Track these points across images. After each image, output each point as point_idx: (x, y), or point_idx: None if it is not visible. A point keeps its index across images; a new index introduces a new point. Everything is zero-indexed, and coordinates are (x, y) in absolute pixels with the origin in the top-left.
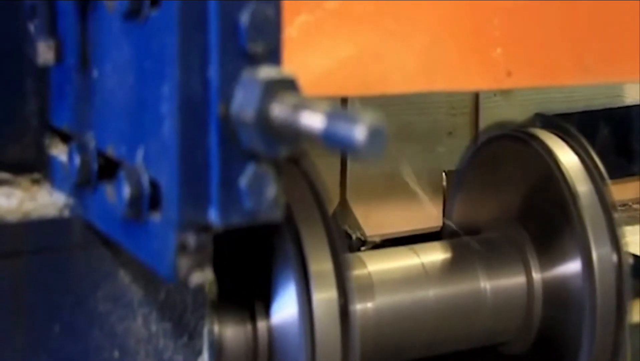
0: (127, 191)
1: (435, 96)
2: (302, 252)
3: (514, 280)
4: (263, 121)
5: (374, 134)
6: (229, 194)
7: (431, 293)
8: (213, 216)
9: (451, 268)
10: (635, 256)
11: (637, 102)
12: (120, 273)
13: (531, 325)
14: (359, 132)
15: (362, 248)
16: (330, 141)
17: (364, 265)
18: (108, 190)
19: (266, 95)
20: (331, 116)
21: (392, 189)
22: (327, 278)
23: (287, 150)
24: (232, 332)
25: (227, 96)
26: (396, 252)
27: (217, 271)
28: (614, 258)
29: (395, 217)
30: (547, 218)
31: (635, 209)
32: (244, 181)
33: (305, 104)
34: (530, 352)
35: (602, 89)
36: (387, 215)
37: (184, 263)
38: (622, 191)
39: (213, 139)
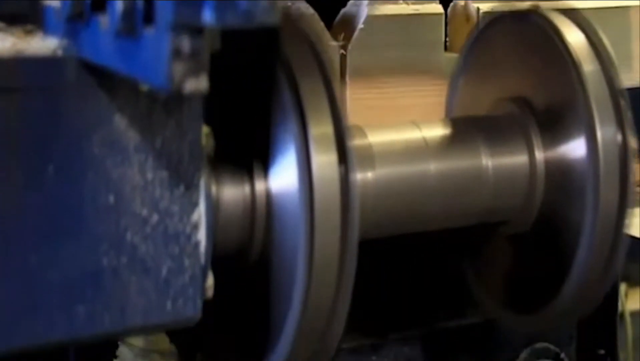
0: (120, 5)
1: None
2: (303, 114)
3: (516, 158)
4: None
5: None
6: None
7: (432, 167)
8: (207, 15)
9: (453, 144)
10: (635, 238)
11: (634, 85)
12: (115, 118)
13: (532, 204)
14: None
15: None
16: None
17: (365, 136)
18: (102, 20)
19: None
20: None
21: None
22: (327, 141)
23: None
24: (229, 193)
25: None
26: (398, 125)
27: (214, 130)
28: (619, 138)
29: None
30: (551, 98)
31: (635, 192)
32: None
33: None
34: (530, 233)
35: None
36: None
37: (178, 68)
38: None
39: None
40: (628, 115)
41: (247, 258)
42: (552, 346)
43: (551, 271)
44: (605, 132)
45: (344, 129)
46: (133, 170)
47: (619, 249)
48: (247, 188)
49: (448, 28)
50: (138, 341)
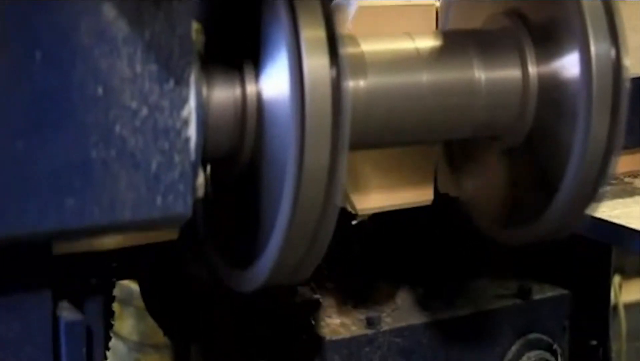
0: None
1: None
2: (295, 18)
3: (509, 72)
4: None
5: None
6: None
7: (424, 77)
8: None
9: (446, 56)
10: (629, 229)
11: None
12: (104, 7)
13: (525, 119)
14: None
15: (353, 222)
16: None
17: (357, 45)
18: None
19: None
20: None
21: (383, 162)
22: (319, 45)
23: None
24: (220, 94)
25: None
26: (391, 36)
27: (206, 30)
28: (612, 53)
29: (386, 190)
30: (546, 13)
31: (627, 182)
32: None
33: None
34: (522, 149)
35: None
36: (378, 188)
37: None
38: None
39: None
40: (622, 31)
41: (238, 162)
42: (544, 337)
43: (541, 186)
44: (599, 47)
45: (336, 34)
46: (122, 62)
47: (608, 167)
48: (237, 90)
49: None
50: (132, 335)
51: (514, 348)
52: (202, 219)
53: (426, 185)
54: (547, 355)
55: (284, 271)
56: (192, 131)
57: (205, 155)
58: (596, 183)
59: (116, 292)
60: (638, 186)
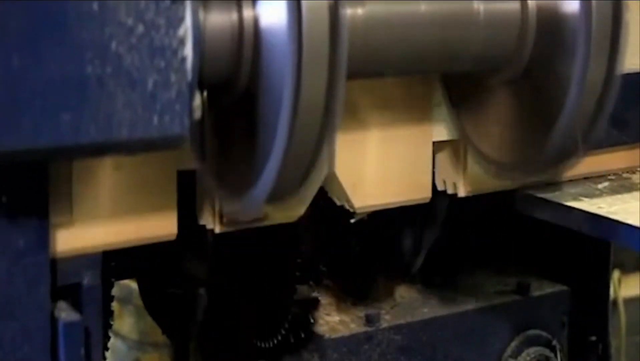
0: None
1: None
2: None
3: (508, 4)
4: None
5: None
6: None
7: (423, 7)
8: None
9: None
10: (628, 225)
11: (628, 71)
12: None
13: (523, 51)
14: None
15: (351, 220)
16: None
17: None
18: None
19: None
20: None
21: (381, 159)
22: None
23: None
24: (216, 17)
25: None
26: None
27: None
28: None
29: (384, 188)
30: None
31: (626, 178)
32: None
33: None
34: (520, 82)
35: None
36: (376, 186)
37: None
38: (612, 160)
39: None
40: None
41: (235, 88)
42: (544, 333)
43: (540, 119)
44: None
45: None
46: None
47: (607, 101)
48: (234, 14)
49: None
50: (132, 334)
51: (513, 344)
52: (199, 147)
53: (424, 182)
54: (547, 351)
55: (281, 195)
56: (188, 51)
57: (202, 79)
58: (595, 117)
59: (115, 291)
60: (636, 181)
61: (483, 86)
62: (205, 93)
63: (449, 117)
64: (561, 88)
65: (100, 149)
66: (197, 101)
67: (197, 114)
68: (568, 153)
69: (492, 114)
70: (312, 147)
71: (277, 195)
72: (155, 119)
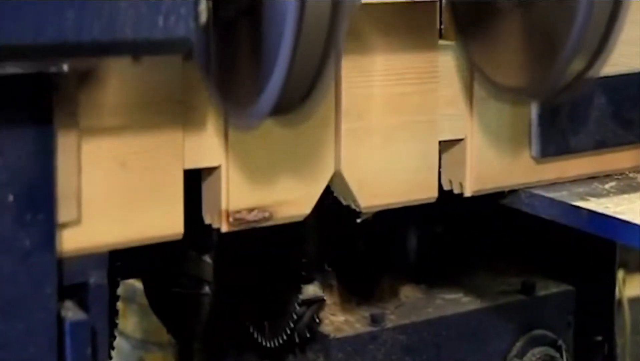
0: None
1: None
2: None
3: None
4: None
5: None
6: None
7: None
8: None
9: None
10: (635, 225)
11: (634, 70)
12: None
13: None
14: None
15: (358, 220)
16: None
17: None
18: None
19: None
20: None
21: (387, 158)
22: None
23: None
24: None
25: None
26: None
27: None
28: None
29: (390, 187)
30: None
31: (632, 178)
32: None
33: None
34: (528, 5)
35: None
36: (382, 186)
37: None
38: (619, 159)
39: None
40: None
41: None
42: (549, 333)
43: (547, 45)
44: None
45: None
46: None
47: (612, 33)
48: None
49: (443, 15)
50: (136, 333)
51: (518, 345)
52: (205, 58)
53: (430, 182)
54: (552, 351)
55: (286, 107)
56: None
57: None
58: (600, 45)
59: (120, 290)
60: None
61: (491, 10)
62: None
63: (456, 45)
64: (569, 12)
65: (103, 48)
66: (203, 5)
67: (203, 18)
68: (573, 82)
69: (500, 39)
70: (318, 58)
71: (283, 107)
72: (160, 20)
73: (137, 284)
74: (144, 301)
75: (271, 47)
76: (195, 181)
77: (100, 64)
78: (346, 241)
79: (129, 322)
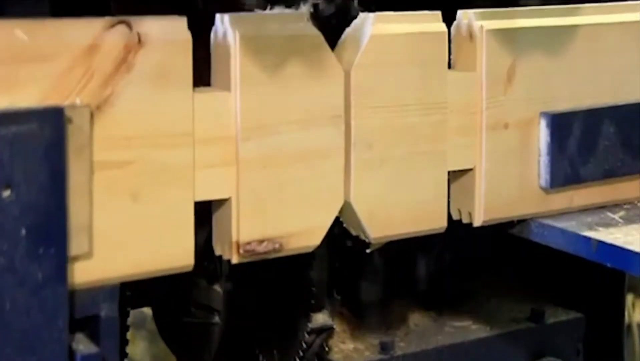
0: None
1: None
2: None
3: None
4: None
5: None
6: None
7: None
8: None
9: None
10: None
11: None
12: None
13: None
14: None
15: (367, 250)
16: None
17: None
18: None
19: None
20: None
21: (397, 189)
22: None
23: None
24: None
25: None
26: None
27: None
28: None
29: (400, 218)
30: None
31: None
32: None
33: None
34: None
35: (608, 86)
36: (392, 216)
37: None
38: (628, 189)
39: None
40: None
41: None
42: (558, 360)
43: None
44: None
45: None
46: None
47: None
48: None
49: (452, 46)
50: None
51: None
52: None
53: (439, 212)
54: None
55: None
56: None
57: None
58: None
59: (129, 317)
60: None
61: None
62: None
63: None
64: None
65: None
66: None
67: None
68: None
69: None
70: None
71: None
72: None
73: (146, 310)
74: (153, 327)
75: None
76: (204, 211)
77: (112, 98)
78: (355, 268)
79: (138, 348)
